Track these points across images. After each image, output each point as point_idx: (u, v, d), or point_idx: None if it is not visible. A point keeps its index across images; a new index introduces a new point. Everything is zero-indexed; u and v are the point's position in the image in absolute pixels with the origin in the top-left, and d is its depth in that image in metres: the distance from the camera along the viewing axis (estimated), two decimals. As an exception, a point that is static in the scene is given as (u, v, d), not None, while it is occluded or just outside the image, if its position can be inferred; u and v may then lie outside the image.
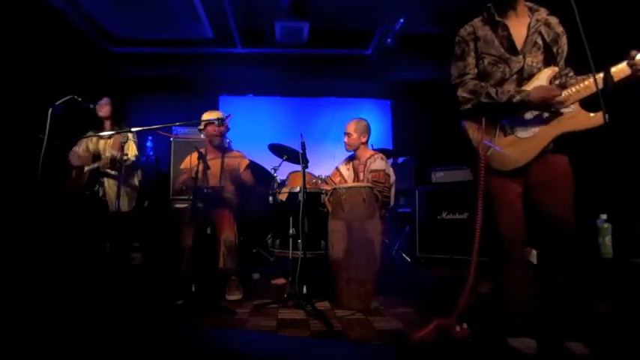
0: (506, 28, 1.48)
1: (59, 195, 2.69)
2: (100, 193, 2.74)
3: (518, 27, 1.48)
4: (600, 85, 1.30)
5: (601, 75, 1.33)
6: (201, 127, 2.64)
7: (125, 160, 2.51)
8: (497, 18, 1.49)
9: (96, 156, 2.83)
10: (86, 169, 2.80)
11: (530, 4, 1.52)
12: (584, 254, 2.47)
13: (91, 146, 2.92)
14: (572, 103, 1.39)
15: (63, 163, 2.79)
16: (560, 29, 1.49)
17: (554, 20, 1.50)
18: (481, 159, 1.44)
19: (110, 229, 2.66)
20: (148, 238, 3.30)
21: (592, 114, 1.37)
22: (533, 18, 1.48)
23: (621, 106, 1.40)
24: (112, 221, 2.71)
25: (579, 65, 1.38)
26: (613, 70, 1.33)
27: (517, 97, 1.38)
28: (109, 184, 2.82)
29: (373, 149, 2.87)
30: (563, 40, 1.49)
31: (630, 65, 1.31)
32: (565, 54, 1.51)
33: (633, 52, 1.31)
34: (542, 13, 1.50)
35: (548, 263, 1.40)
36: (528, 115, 1.44)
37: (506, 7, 1.49)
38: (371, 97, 5.34)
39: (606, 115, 1.23)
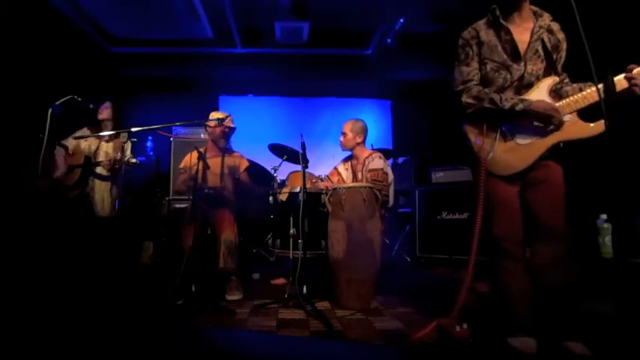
0: (509, 32, 1.46)
1: (52, 193, 2.65)
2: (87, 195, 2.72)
3: (522, 32, 1.46)
4: (602, 95, 1.29)
5: (602, 85, 1.32)
6: (210, 124, 2.56)
7: (127, 162, 2.48)
8: (501, 21, 1.47)
9: (87, 157, 2.74)
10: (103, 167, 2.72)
11: (535, 8, 1.50)
12: (583, 254, 2.47)
13: (84, 146, 2.82)
14: (570, 113, 1.38)
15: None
16: (561, 35, 1.47)
17: (556, 26, 1.48)
18: (482, 163, 1.44)
19: (96, 232, 2.63)
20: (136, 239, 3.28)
21: (589, 124, 1.36)
22: (537, 24, 1.46)
23: (620, 112, 1.39)
24: (98, 224, 2.68)
25: (581, 71, 1.37)
26: (615, 79, 1.32)
27: (520, 106, 1.38)
28: (98, 186, 2.76)
29: (373, 149, 2.87)
30: (564, 46, 1.48)
31: (628, 79, 1.30)
32: (563, 60, 1.50)
33: (631, 66, 1.30)
34: (546, 19, 1.48)
35: (534, 260, 1.43)
36: (534, 124, 1.42)
37: (512, 8, 1.47)
38: (371, 97, 5.33)
39: (607, 124, 1.22)
